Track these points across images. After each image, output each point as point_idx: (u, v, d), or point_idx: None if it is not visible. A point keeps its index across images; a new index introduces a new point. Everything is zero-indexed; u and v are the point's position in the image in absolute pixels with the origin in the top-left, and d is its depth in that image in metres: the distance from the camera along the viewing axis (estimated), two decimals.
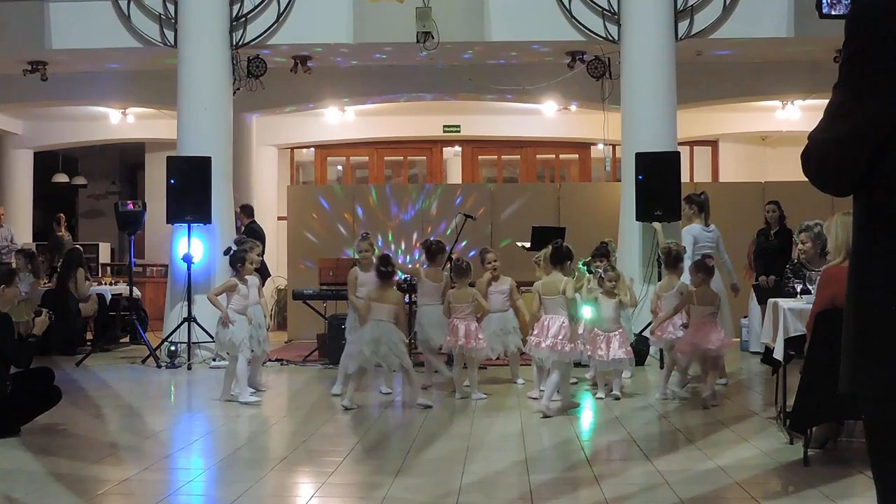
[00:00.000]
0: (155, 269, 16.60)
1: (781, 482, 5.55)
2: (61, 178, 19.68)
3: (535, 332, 7.76)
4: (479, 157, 17.99)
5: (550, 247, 7.92)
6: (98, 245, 16.84)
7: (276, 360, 11.06)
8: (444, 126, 16.84)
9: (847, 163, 2.17)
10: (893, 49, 2.08)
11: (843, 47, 2.19)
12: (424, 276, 9.06)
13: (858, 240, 2.22)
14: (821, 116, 2.23)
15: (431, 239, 9.44)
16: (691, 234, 10.32)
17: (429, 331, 8.92)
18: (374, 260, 8.54)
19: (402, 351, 8.03)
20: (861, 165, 2.15)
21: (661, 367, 10.11)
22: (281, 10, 11.94)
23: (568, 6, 11.81)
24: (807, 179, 2.27)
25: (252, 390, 8.42)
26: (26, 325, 6.96)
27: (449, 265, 9.95)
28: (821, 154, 2.21)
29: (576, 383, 9.04)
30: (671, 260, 8.74)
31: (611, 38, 11.78)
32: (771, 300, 7.05)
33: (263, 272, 12.81)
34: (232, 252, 8.79)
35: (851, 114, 2.13)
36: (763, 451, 6.18)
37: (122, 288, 13.35)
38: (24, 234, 16.79)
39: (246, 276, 8.65)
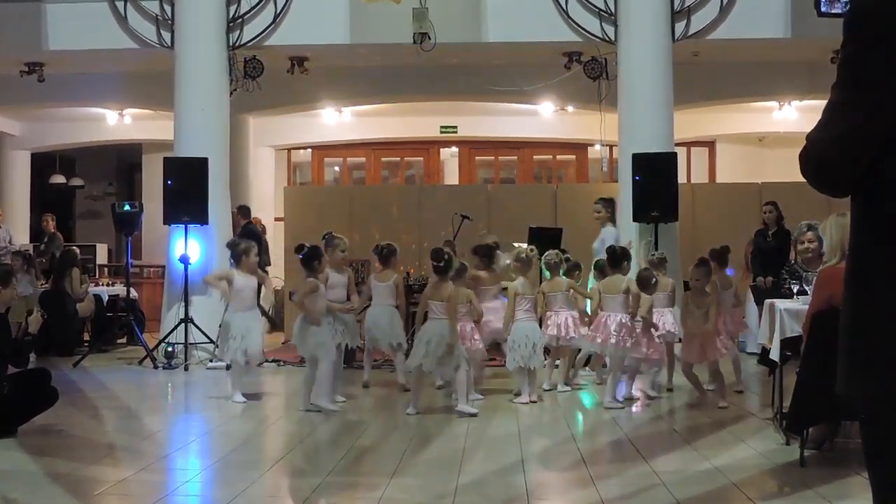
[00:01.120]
0: (152, 269, 16.56)
1: (778, 483, 5.56)
2: (58, 179, 19.66)
3: (593, 328, 8.23)
4: (477, 157, 18.00)
5: (606, 254, 8.54)
6: (95, 246, 16.81)
7: (273, 360, 11.05)
8: (441, 127, 16.84)
9: (845, 163, 2.17)
10: (891, 49, 2.08)
11: (841, 47, 2.19)
12: (373, 278, 9.17)
13: (855, 240, 2.22)
14: (818, 117, 2.23)
15: (382, 244, 9.31)
16: (612, 235, 10.52)
17: (375, 332, 9.07)
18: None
19: (457, 352, 7.83)
20: (859, 166, 2.15)
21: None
22: (278, 11, 11.94)
23: (564, 7, 11.82)
24: (804, 180, 2.27)
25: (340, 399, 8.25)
26: (21, 325, 6.94)
27: None
28: (819, 154, 2.20)
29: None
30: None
31: (607, 38, 11.79)
32: (767, 301, 7.06)
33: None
34: (306, 249, 8.17)
35: (850, 114, 2.13)
36: (759, 451, 6.18)
37: (119, 289, 13.34)
38: (21, 236, 16.77)
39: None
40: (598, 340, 8.05)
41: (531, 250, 8.86)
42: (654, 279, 8.53)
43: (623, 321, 7.98)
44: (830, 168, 2.19)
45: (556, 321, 8.78)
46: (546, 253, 9.05)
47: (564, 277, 8.95)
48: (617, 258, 8.38)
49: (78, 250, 13.72)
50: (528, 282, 8.49)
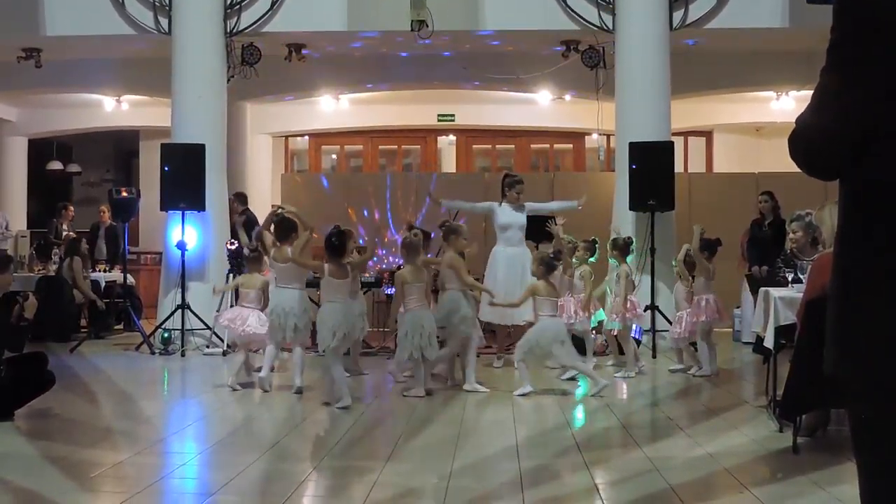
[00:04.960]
0: (149, 256, 16.59)
1: (770, 469, 5.59)
2: (56, 165, 19.61)
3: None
4: (474, 146, 17.97)
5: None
6: None
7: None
8: (439, 115, 16.82)
9: (833, 148, 2.18)
10: (880, 34, 2.10)
11: (830, 32, 2.21)
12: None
13: (843, 223, 2.24)
14: None
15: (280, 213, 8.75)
16: None
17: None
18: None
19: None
20: (847, 150, 2.16)
21: (654, 357, 10.23)
22: None
23: None
24: (800, 170, 2.29)
25: None
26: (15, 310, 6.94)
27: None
28: (807, 139, 2.22)
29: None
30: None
31: (605, 27, 11.78)
32: (762, 289, 7.09)
33: None
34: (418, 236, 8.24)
35: (838, 99, 2.15)
36: (753, 438, 6.21)
37: (116, 275, 13.35)
38: (18, 222, 16.77)
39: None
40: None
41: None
42: None
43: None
44: (819, 153, 2.21)
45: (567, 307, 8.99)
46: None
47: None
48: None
49: (84, 240, 13.74)
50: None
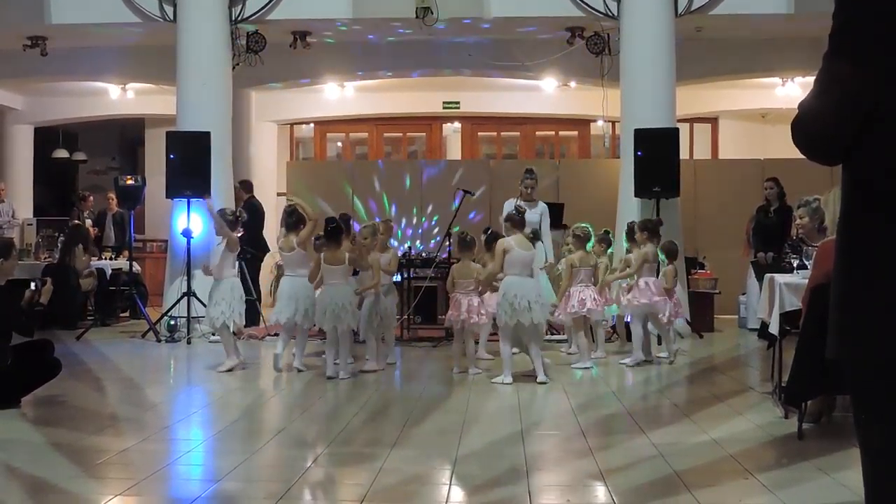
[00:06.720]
0: (155, 244, 16.63)
1: (775, 455, 5.58)
2: (61, 153, 19.65)
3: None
4: (479, 133, 17.97)
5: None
6: None
7: (275, 334, 11.06)
8: (444, 102, 16.80)
9: (835, 132, 2.19)
10: (881, 19, 2.09)
11: (832, 17, 2.21)
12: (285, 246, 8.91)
13: (845, 207, 2.24)
14: None
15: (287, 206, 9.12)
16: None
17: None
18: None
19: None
20: (849, 135, 2.16)
21: (659, 343, 10.21)
22: None
23: None
24: (802, 155, 2.29)
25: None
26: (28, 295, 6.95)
27: (448, 241, 10.02)
28: (810, 123, 2.23)
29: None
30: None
31: (610, 13, 11.74)
32: (768, 275, 7.08)
33: (263, 247, 12.84)
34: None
35: (840, 84, 2.15)
36: (757, 424, 6.22)
37: (121, 263, 13.38)
38: (24, 210, 16.81)
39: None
40: None
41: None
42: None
43: None
44: (820, 137, 2.22)
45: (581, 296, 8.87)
46: (576, 225, 9.14)
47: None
48: None
49: (87, 226, 13.76)
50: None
